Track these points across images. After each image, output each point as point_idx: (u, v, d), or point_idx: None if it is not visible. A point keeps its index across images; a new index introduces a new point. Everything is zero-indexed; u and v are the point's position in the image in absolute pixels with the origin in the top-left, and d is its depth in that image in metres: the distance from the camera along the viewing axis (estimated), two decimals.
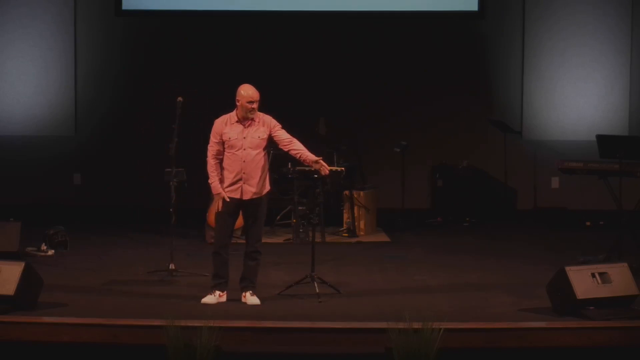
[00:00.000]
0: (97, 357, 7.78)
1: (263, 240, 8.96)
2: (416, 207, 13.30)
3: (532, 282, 9.36)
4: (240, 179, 8.70)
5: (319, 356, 7.75)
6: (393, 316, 7.69)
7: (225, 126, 8.73)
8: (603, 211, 12.34)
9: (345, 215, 12.33)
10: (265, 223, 9.29)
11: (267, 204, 8.87)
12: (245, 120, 8.70)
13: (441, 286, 9.50)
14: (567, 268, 8.33)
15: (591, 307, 8.19)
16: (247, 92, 8.68)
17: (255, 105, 8.68)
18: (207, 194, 9.65)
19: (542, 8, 13.50)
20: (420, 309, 8.24)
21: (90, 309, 8.41)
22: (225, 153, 8.72)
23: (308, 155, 8.73)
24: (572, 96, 13.53)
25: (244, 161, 8.68)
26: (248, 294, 8.77)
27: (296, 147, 8.73)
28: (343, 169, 9.39)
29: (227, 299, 8.77)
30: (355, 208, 12.24)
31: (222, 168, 8.73)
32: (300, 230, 11.82)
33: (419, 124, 13.64)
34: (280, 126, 8.78)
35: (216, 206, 8.77)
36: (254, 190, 8.70)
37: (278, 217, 12.37)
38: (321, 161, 8.71)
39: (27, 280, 8.39)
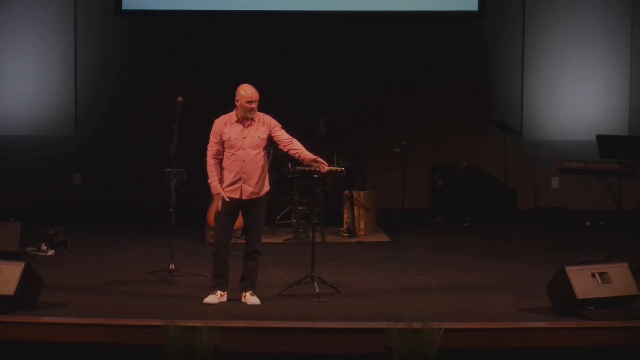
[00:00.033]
0: (97, 357, 7.78)
1: (263, 240, 8.96)
2: (416, 207, 13.29)
3: (532, 282, 9.35)
4: (239, 179, 8.69)
5: (319, 356, 7.74)
6: (393, 316, 7.68)
7: (225, 126, 8.73)
8: (603, 211, 12.33)
9: (345, 215, 12.32)
10: (265, 223, 9.30)
11: (267, 204, 8.88)
12: (244, 120, 8.70)
13: (441, 286, 9.49)
14: (567, 268, 8.33)
15: (591, 307, 8.19)
16: (246, 92, 8.68)
17: (254, 105, 8.68)
18: (207, 194, 9.64)
19: (542, 8, 13.50)
20: (420, 309, 8.24)
21: (90, 309, 8.40)
22: (224, 153, 8.72)
23: (307, 155, 8.73)
24: (572, 96, 13.52)
25: (244, 161, 8.68)
26: (248, 294, 8.76)
27: (295, 147, 8.73)
28: (343, 169, 9.36)
29: (227, 299, 8.77)
30: (355, 208, 12.24)
31: (221, 168, 8.74)
32: (300, 230, 11.81)
33: (419, 124, 13.63)
34: (280, 126, 8.78)
35: (216, 206, 8.77)
36: (253, 190, 8.70)
37: (278, 217, 12.36)
38: (319, 159, 8.72)
39: (27, 280, 8.38)
